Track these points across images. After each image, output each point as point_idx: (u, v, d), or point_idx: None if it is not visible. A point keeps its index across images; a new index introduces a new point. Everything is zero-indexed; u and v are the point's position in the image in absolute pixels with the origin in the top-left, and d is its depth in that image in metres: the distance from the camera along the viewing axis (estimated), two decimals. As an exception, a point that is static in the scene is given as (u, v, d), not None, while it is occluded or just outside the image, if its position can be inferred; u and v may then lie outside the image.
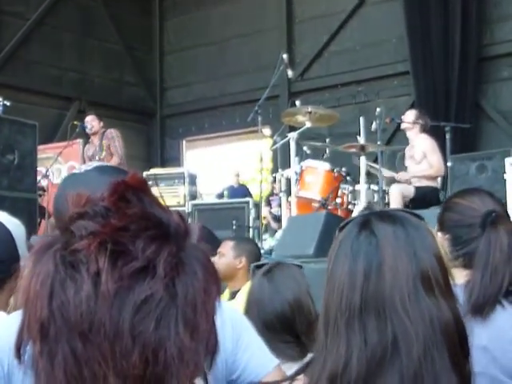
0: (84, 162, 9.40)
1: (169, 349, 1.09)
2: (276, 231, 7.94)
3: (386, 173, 7.50)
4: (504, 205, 2.27)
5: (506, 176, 5.55)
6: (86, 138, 9.43)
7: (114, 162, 8.46)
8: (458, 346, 1.25)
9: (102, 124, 9.00)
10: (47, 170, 8.95)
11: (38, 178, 8.22)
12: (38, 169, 7.94)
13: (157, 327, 1.09)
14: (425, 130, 7.59)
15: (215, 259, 4.32)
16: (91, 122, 8.94)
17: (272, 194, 10.36)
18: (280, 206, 9.67)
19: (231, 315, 1.33)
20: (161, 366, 1.09)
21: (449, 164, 7.24)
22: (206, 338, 1.14)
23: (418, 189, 7.19)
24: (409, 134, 7.69)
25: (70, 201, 1.20)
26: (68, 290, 1.10)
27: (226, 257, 4.53)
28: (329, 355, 1.26)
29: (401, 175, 7.55)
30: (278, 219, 8.97)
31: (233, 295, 4.47)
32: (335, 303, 1.28)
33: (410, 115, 7.68)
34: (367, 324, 1.24)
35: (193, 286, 1.14)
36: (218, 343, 1.18)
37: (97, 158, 8.82)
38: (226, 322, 1.29)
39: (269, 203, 10.15)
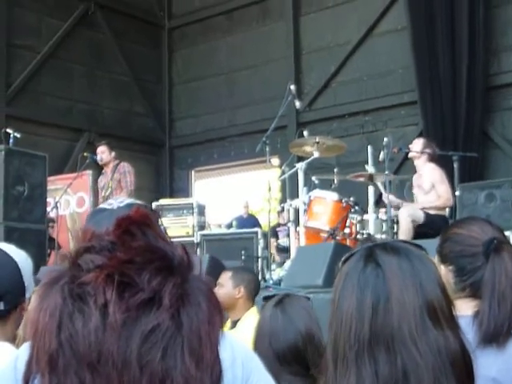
0: (95, 193, 9.45)
1: (175, 378, 1.11)
2: (283, 263, 7.92)
3: (394, 201, 7.47)
4: (501, 230, 2.27)
5: (514, 205, 5.54)
6: (99, 169, 9.48)
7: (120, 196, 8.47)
8: (465, 376, 1.26)
9: (113, 154, 9.03)
10: (56, 202, 9.00)
11: (48, 209, 8.27)
12: (47, 200, 7.99)
13: (163, 357, 1.11)
14: (433, 158, 7.60)
15: (215, 290, 4.35)
16: (102, 153, 8.98)
17: (279, 224, 10.37)
18: (288, 236, 9.69)
19: (242, 352, 1.34)
20: None
21: (457, 193, 7.24)
22: (210, 367, 1.16)
23: (427, 215, 7.16)
24: (416, 162, 7.69)
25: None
26: (76, 322, 1.12)
27: (225, 287, 4.61)
28: None
29: (413, 206, 7.52)
30: (285, 250, 8.96)
31: (234, 324, 4.54)
32: (344, 336, 1.29)
33: (417, 144, 7.69)
34: (377, 356, 1.25)
35: (197, 316, 1.16)
36: (222, 373, 1.20)
37: (104, 190, 8.85)
38: (236, 360, 1.30)
39: (275, 234, 10.14)
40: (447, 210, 7.55)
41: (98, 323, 1.12)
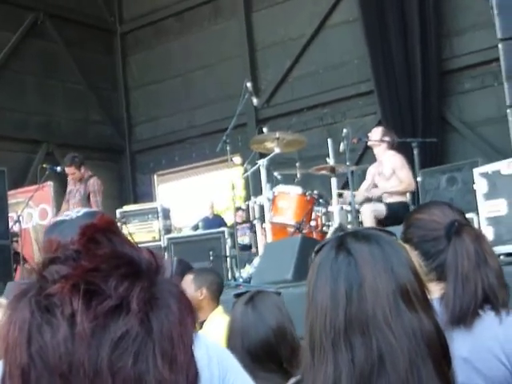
0: (57, 204, 9.35)
1: (149, 382, 1.10)
2: (245, 261, 7.92)
3: (360, 196, 7.50)
4: (463, 212, 2.29)
5: (475, 186, 5.61)
6: (59, 179, 9.36)
7: None
8: (441, 356, 1.28)
9: (82, 170, 8.91)
10: (19, 216, 8.87)
11: (11, 223, 8.15)
12: (9, 214, 7.88)
13: (135, 362, 1.11)
14: (392, 146, 7.66)
15: None
16: (72, 175, 8.85)
17: (236, 223, 10.35)
18: (245, 234, 9.69)
19: (217, 351, 1.34)
20: None
21: (419, 179, 7.31)
22: (185, 369, 1.16)
23: (389, 206, 7.23)
24: (376, 151, 7.76)
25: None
26: (45, 334, 1.11)
27: (188, 291, 4.60)
28: (317, 375, 1.28)
29: (373, 192, 7.58)
30: (245, 248, 8.96)
31: (200, 326, 4.55)
32: (320, 325, 1.30)
33: (376, 133, 7.75)
34: (353, 343, 1.26)
35: (168, 319, 1.16)
36: (199, 374, 1.19)
37: (72, 200, 8.77)
38: (212, 359, 1.29)
39: None
40: (408, 196, 7.61)
41: (67, 334, 1.11)
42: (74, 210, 1.73)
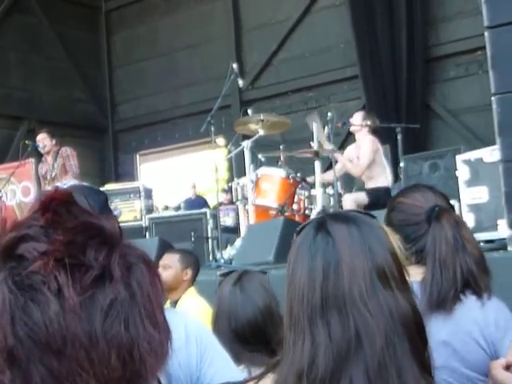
0: (38, 182, 9.28)
1: (141, 344, 1.12)
2: (226, 242, 7.94)
3: (328, 175, 7.51)
4: (446, 197, 2.31)
5: (457, 173, 5.65)
6: (39, 156, 9.29)
7: (67, 180, 8.31)
8: (417, 335, 1.30)
9: (54, 142, 8.84)
10: (0, 192, 8.82)
11: (-8, 199, 8.10)
12: (-10, 191, 7.83)
13: (126, 327, 1.12)
14: (374, 131, 7.68)
15: (159, 271, 4.41)
16: (43, 140, 8.78)
17: (220, 204, 10.35)
18: (228, 215, 9.68)
19: (196, 330, 1.34)
20: (137, 363, 1.12)
21: (401, 164, 7.34)
22: (163, 327, 1.18)
23: (369, 193, 7.26)
24: (357, 135, 7.78)
25: None
26: (33, 312, 1.10)
27: (173, 269, 4.72)
28: (295, 353, 1.30)
29: (327, 174, 7.56)
30: (226, 230, 8.97)
31: (174, 304, 4.65)
32: (297, 303, 1.33)
33: (357, 117, 7.77)
34: (330, 320, 1.28)
35: (144, 281, 1.18)
36: (171, 331, 1.22)
37: (48, 176, 8.69)
38: (190, 337, 1.30)
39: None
40: (390, 179, 7.63)
41: (57, 309, 1.11)
42: (62, 183, 1.73)
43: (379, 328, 1.26)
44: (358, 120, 7.70)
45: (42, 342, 1.09)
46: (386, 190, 7.42)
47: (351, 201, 7.08)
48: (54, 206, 1.19)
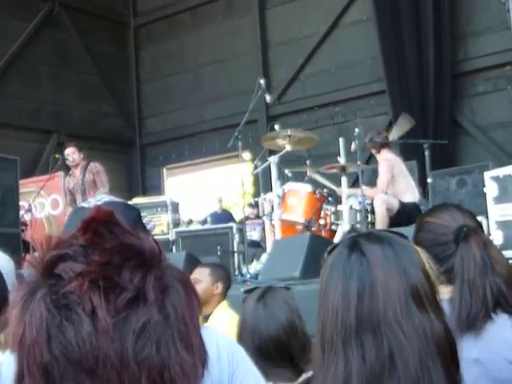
0: (65, 195, 9.36)
1: (172, 367, 1.14)
2: (252, 257, 7.93)
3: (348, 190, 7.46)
4: (474, 216, 2.30)
5: (485, 190, 5.61)
6: (67, 170, 9.38)
7: (94, 196, 8.35)
8: (450, 356, 1.30)
9: (82, 155, 8.92)
10: (30, 205, 8.91)
11: (21, 212, 8.19)
12: (20, 203, 7.91)
13: (158, 350, 1.14)
14: (382, 146, 7.52)
15: None
16: (71, 154, 8.84)
17: (247, 218, 10.35)
18: (254, 230, 9.67)
19: (227, 346, 1.35)
20: None
21: (429, 180, 7.30)
22: (198, 350, 1.19)
23: (401, 203, 7.18)
24: (374, 154, 7.71)
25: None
26: (67, 331, 1.12)
27: (204, 283, 4.68)
28: (328, 373, 1.30)
29: (350, 191, 7.52)
30: (253, 244, 8.95)
31: (205, 319, 4.60)
32: (331, 323, 1.32)
33: (367, 140, 7.66)
34: (364, 341, 1.28)
35: (179, 304, 1.19)
36: (207, 353, 1.22)
37: (77, 191, 8.76)
38: (222, 354, 1.31)
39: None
40: (417, 195, 7.57)
41: (90, 329, 1.13)
42: (95, 198, 1.75)
43: (413, 349, 1.25)
44: (367, 139, 7.60)
45: (75, 361, 1.11)
46: (415, 206, 7.35)
47: (382, 201, 6.98)
48: (94, 226, 1.21)
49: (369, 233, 1.42)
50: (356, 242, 1.37)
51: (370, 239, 1.37)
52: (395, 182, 7.42)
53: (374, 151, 7.61)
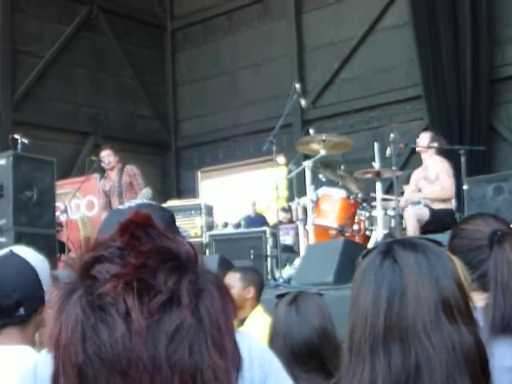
0: (100, 197, 9.46)
1: (205, 372, 1.14)
2: (285, 261, 7.92)
3: (404, 202, 7.42)
4: (509, 224, 2.28)
5: (523, 197, 5.54)
6: (103, 172, 9.48)
7: (131, 198, 8.40)
8: (480, 371, 1.28)
9: (117, 158, 9.01)
10: (66, 206, 9.02)
11: (57, 213, 8.30)
12: (56, 204, 8.02)
13: (191, 353, 1.14)
14: (440, 152, 7.57)
15: None
16: (107, 157, 8.94)
17: (280, 222, 10.37)
18: (288, 234, 9.67)
19: (259, 353, 1.35)
20: None
21: (465, 187, 7.22)
22: (232, 355, 1.19)
23: (433, 212, 7.14)
24: (424, 156, 7.66)
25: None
26: (101, 332, 1.14)
27: (235, 288, 4.67)
28: (354, 378, 1.30)
29: (413, 196, 7.48)
30: (285, 249, 8.94)
31: (241, 322, 4.61)
32: (359, 328, 1.32)
33: (424, 138, 7.65)
34: (391, 349, 1.27)
35: (213, 308, 1.19)
36: (242, 360, 1.22)
37: (114, 193, 8.84)
38: (253, 360, 1.31)
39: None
40: (453, 202, 7.51)
41: (124, 331, 1.14)
42: (130, 201, 1.78)
43: (441, 362, 1.24)
44: (425, 141, 7.58)
45: (109, 362, 1.13)
46: (450, 212, 7.29)
47: (413, 215, 6.95)
48: (132, 229, 1.23)
49: (403, 239, 1.41)
50: (390, 248, 1.37)
51: (404, 246, 1.36)
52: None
53: (426, 153, 7.55)
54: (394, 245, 1.37)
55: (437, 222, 6.94)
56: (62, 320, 1.16)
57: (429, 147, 7.49)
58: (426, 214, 7.08)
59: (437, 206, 7.29)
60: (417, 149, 7.79)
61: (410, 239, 1.41)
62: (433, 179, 7.42)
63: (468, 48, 10.85)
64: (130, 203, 1.75)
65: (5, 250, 2.17)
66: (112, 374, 1.12)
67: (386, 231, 6.88)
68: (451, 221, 7.07)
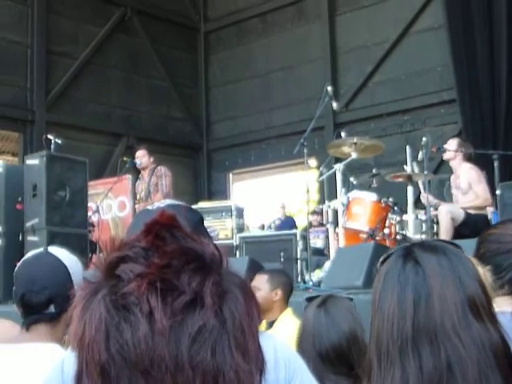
0: (134, 197, 9.54)
1: (227, 373, 1.14)
2: (315, 265, 7.89)
3: (432, 201, 7.35)
4: None
5: (557, 202, 5.45)
6: (135, 173, 9.57)
7: (158, 199, 8.48)
8: (508, 367, 1.29)
9: (151, 159, 9.10)
10: (98, 206, 9.10)
11: (89, 213, 8.37)
12: (88, 204, 8.09)
13: (213, 355, 1.14)
14: (469, 158, 7.47)
15: None
16: (141, 157, 9.05)
17: (310, 225, 10.32)
18: (318, 238, 9.62)
19: (285, 354, 1.35)
20: None
21: (498, 192, 7.13)
22: (255, 358, 1.19)
23: (468, 215, 7.05)
24: (452, 163, 7.55)
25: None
26: (124, 331, 1.14)
27: (262, 290, 4.67)
28: (384, 383, 1.30)
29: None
30: (316, 252, 8.90)
31: (270, 325, 4.60)
32: (386, 333, 1.32)
33: (452, 144, 7.54)
34: (421, 351, 1.28)
35: (237, 310, 1.19)
36: (265, 362, 1.22)
37: (142, 194, 8.92)
38: (279, 361, 1.31)
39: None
40: (488, 209, 7.43)
41: (147, 331, 1.14)
42: (160, 202, 1.79)
43: (472, 360, 1.25)
44: (453, 147, 7.48)
45: (131, 361, 1.13)
46: (485, 218, 7.19)
47: (447, 212, 6.87)
48: (157, 229, 1.23)
49: (422, 242, 1.42)
50: (410, 251, 1.37)
51: (424, 249, 1.37)
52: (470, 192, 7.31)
53: (454, 160, 7.46)
54: (414, 247, 1.38)
55: (471, 225, 6.85)
56: (86, 319, 1.17)
57: (456, 152, 7.38)
58: (461, 213, 6.98)
59: (472, 211, 7.21)
60: (444, 156, 7.65)
61: (429, 242, 1.43)
62: (465, 189, 7.33)
63: (504, 51, 10.72)
64: (159, 203, 1.76)
65: (40, 249, 2.22)
66: (134, 374, 1.13)
67: (401, 236, 6.83)
68: (485, 226, 6.96)
